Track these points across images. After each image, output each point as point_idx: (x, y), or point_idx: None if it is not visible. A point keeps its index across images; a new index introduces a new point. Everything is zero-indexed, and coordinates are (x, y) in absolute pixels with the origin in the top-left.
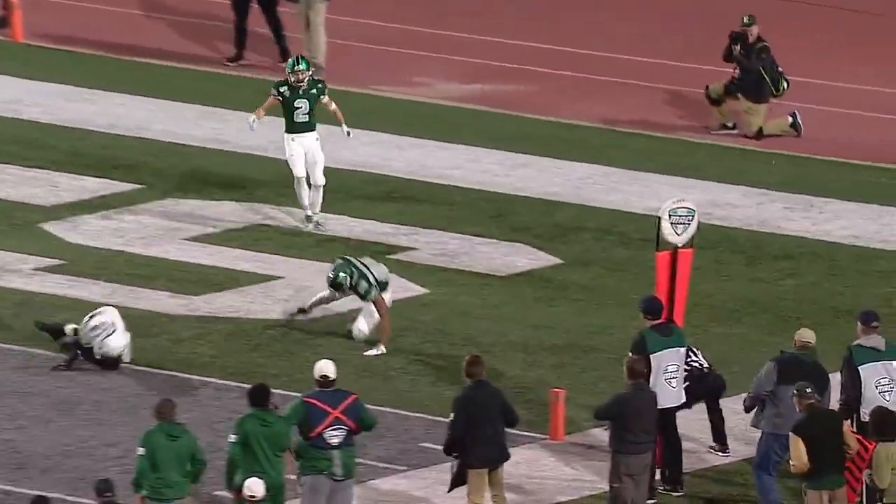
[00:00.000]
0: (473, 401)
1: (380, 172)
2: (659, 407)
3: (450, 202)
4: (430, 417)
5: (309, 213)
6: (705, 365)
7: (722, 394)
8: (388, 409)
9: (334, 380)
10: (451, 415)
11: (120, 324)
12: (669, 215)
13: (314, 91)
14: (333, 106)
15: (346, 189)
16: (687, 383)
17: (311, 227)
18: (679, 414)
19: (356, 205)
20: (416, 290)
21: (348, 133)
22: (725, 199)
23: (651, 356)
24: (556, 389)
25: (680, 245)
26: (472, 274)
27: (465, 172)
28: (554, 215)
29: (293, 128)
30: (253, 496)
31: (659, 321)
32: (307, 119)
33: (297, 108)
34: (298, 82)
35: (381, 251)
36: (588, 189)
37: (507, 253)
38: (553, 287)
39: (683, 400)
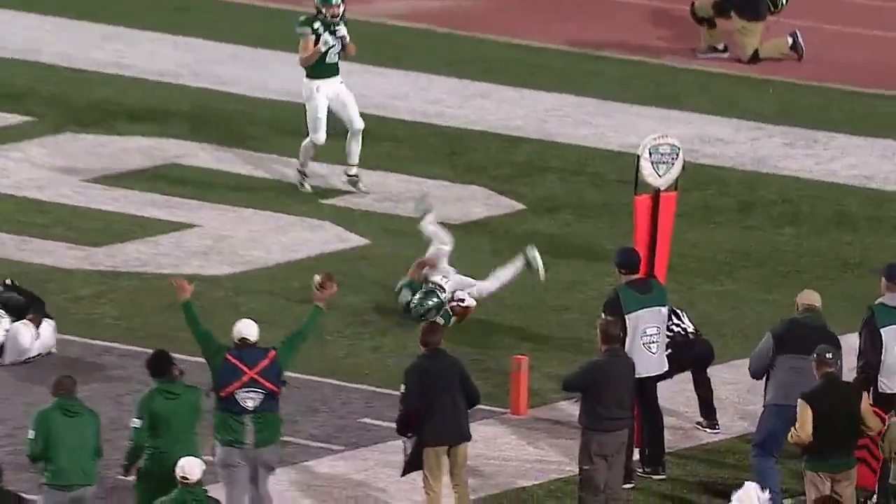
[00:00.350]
0: (428, 370)
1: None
2: (637, 376)
3: (394, 138)
4: (371, 388)
5: (306, 171)
6: (691, 329)
7: (710, 362)
8: (322, 380)
9: (255, 343)
10: (402, 387)
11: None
12: (650, 153)
13: (342, 26)
14: (350, 44)
15: (273, 123)
16: (669, 350)
17: (307, 187)
18: (661, 385)
19: (285, 141)
20: (354, 240)
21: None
22: (715, 134)
23: (627, 317)
24: (518, 356)
25: (662, 188)
26: (419, 221)
27: (411, 103)
28: (515, 153)
29: (322, 72)
30: (186, 478)
31: (637, 276)
32: (336, 60)
33: (331, 46)
34: (333, 17)
35: (314, 196)
36: (555, 122)
37: (460, 197)
38: (514, 237)
39: (665, 368)
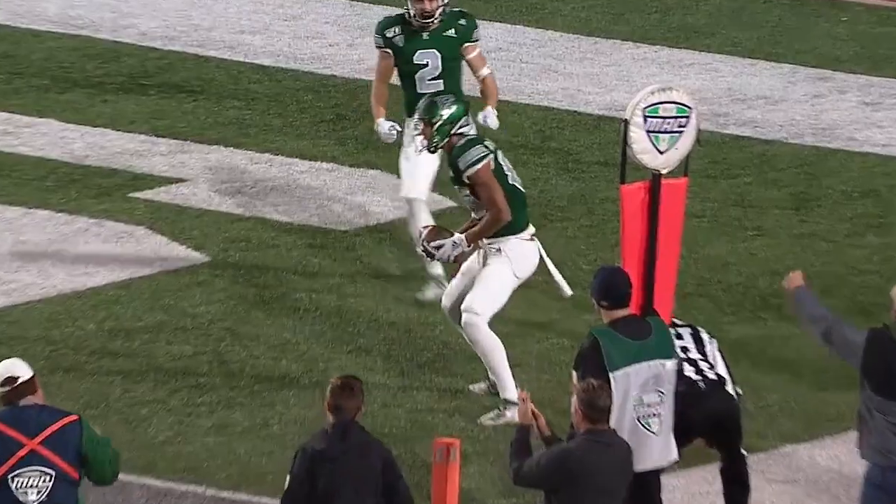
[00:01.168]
0: (329, 451)
1: (113, 39)
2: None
3: (247, 95)
4: (211, 492)
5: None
6: (715, 370)
7: (732, 424)
8: (136, 479)
9: (27, 382)
10: (287, 478)
11: None
12: (645, 117)
13: (452, 32)
14: (487, 70)
15: (50, 72)
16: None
17: (430, 293)
18: (667, 481)
19: (73, 98)
20: (184, 256)
21: (485, 119)
22: (753, 88)
23: (612, 376)
24: (444, 439)
25: (664, 171)
26: (289, 226)
27: (274, 40)
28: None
29: (415, 105)
30: None
31: (626, 313)
32: (441, 86)
33: (420, 66)
34: (425, 16)
35: (120, 184)
36: (502, 71)
37: (352, 188)
38: None
39: (674, 457)
